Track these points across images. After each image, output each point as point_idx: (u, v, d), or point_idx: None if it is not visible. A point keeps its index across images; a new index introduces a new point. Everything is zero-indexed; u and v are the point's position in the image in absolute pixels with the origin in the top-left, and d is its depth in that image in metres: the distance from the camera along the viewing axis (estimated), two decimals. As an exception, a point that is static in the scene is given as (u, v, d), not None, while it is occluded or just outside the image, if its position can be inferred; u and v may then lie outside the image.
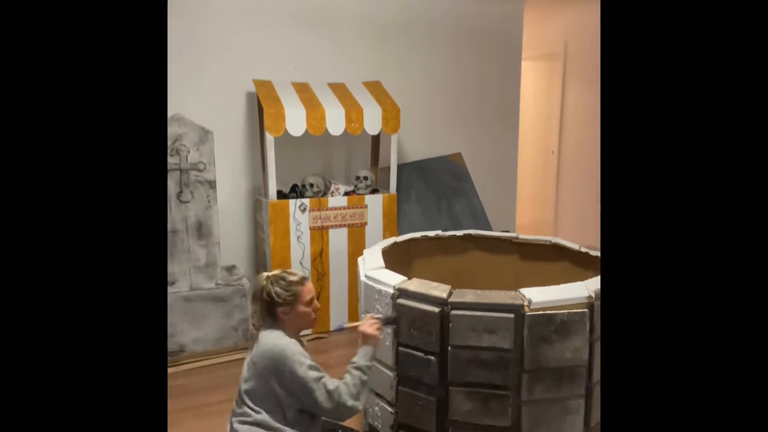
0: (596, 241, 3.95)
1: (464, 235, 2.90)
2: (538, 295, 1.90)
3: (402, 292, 2.05)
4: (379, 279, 2.16)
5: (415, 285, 2.06)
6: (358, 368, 1.78)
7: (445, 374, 1.96)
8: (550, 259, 2.81)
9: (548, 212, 5.97)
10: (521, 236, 2.88)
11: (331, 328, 1.66)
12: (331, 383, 1.70)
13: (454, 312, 1.91)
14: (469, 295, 1.95)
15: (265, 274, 1.84)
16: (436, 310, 1.93)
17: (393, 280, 2.13)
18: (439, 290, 1.98)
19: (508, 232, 4.68)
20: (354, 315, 3.72)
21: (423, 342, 1.97)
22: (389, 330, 2.08)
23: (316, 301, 1.85)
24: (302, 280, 1.82)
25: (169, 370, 3.09)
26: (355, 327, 1.93)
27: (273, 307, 1.78)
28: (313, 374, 1.68)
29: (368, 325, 1.90)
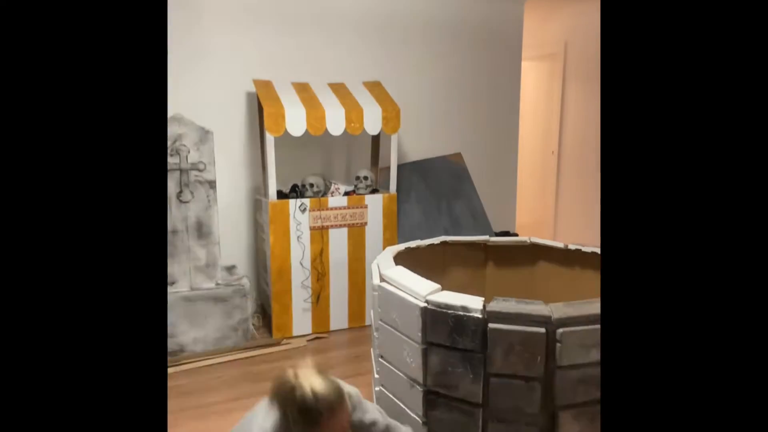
0: (596, 240, 3.95)
1: (441, 242, 2.86)
2: None
3: (492, 315, 1.78)
4: (452, 304, 1.84)
5: (504, 305, 1.82)
6: None
7: (550, 399, 1.78)
8: (528, 260, 2.79)
9: (548, 212, 5.97)
10: (491, 239, 2.87)
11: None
12: None
13: (561, 330, 1.73)
14: (567, 309, 1.78)
15: (292, 382, 1.40)
16: (541, 330, 1.74)
17: (473, 302, 1.83)
18: (539, 308, 1.79)
19: (508, 232, 4.70)
20: (355, 315, 3.73)
21: (524, 368, 1.76)
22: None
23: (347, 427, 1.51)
24: (330, 408, 1.40)
25: (169, 370, 3.09)
26: None
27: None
28: None
29: None
